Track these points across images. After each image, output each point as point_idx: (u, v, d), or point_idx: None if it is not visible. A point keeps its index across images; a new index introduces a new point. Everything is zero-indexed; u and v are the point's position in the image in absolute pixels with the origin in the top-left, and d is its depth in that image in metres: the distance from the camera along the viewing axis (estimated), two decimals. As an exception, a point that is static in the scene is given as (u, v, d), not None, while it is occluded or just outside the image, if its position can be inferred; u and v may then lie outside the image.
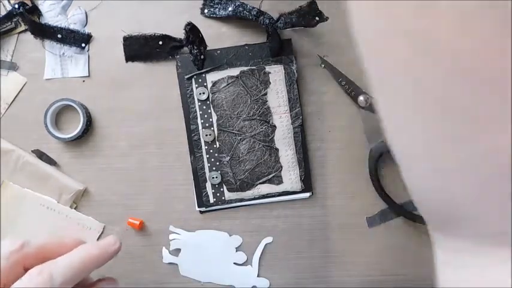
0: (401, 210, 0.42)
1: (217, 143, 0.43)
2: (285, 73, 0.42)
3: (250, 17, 0.41)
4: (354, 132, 0.44)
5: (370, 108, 0.43)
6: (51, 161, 0.44)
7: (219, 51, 0.43)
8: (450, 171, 0.20)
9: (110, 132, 0.44)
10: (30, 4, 0.43)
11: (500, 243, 0.20)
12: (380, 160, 0.43)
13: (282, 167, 0.43)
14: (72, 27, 0.44)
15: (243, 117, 0.42)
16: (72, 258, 0.30)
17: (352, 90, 0.43)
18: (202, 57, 0.42)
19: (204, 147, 0.43)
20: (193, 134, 0.43)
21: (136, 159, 0.44)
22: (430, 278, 0.34)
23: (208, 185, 0.43)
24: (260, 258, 0.44)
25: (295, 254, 0.44)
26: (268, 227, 0.44)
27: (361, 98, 0.43)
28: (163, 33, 0.43)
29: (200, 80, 0.42)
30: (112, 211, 0.44)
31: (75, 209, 0.44)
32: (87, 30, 0.44)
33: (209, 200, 0.43)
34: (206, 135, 0.42)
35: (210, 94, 0.42)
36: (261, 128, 0.42)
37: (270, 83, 0.42)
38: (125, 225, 0.43)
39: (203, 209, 0.43)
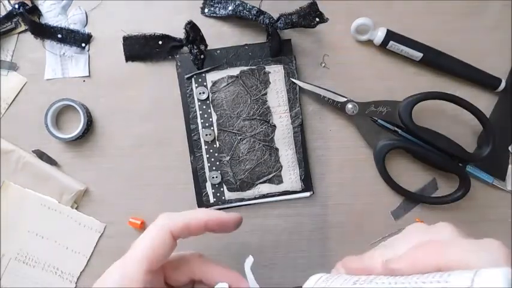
0: (421, 197, 0.44)
1: (217, 142, 0.43)
2: (284, 73, 0.43)
3: (250, 17, 0.41)
4: (353, 131, 0.44)
5: (359, 114, 0.43)
6: (51, 161, 0.44)
7: (218, 51, 0.43)
8: None
9: (110, 132, 0.44)
10: (30, 4, 0.43)
11: None
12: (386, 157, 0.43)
13: (282, 166, 0.43)
14: (72, 27, 0.44)
15: (243, 117, 0.42)
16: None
17: (337, 102, 0.43)
18: (202, 56, 0.42)
19: (204, 147, 0.43)
20: (193, 134, 0.43)
21: (136, 159, 0.44)
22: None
23: (208, 185, 0.43)
24: (251, 266, 0.43)
25: (296, 253, 0.44)
26: (269, 226, 0.44)
27: (349, 106, 0.43)
28: (163, 33, 0.43)
29: (200, 80, 0.42)
30: (113, 211, 0.44)
31: (76, 209, 0.44)
32: (87, 30, 0.44)
33: (209, 200, 0.43)
34: (206, 135, 0.43)
35: (210, 94, 0.42)
36: (261, 128, 0.42)
37: (269, 82, 0.42)
38: (126, 225, 0.44)
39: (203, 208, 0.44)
